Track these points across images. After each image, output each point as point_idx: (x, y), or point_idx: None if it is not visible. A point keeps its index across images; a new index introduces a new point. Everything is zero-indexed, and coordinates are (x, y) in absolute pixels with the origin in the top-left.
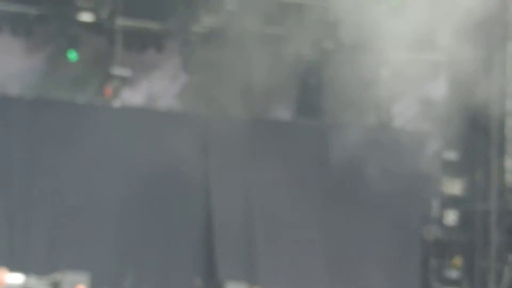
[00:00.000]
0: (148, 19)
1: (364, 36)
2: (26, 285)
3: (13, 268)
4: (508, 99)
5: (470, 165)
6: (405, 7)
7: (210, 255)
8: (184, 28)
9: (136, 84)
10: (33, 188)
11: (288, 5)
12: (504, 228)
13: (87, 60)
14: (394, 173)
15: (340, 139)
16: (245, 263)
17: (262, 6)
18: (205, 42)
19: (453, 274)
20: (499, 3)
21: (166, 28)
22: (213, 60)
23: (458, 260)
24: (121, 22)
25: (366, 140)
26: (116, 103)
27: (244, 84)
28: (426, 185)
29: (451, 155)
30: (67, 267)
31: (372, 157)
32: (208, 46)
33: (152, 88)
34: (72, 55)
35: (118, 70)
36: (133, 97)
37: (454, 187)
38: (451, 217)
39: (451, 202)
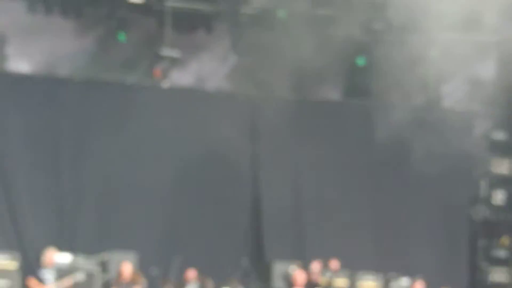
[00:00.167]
0: (197, 0)
1: (413, 16)
2: (74, 264)
3: (61, 248)
4: None
5: None
6: None
7: (258, 236)
8: (233, 9)
9: (185, 65)
10: (83, 169)
11: None
12: None
13: (137, 42)
14: (442, 153)
15: (388, 119)
16: (293, 244)
17: None
18: (254, 23)
19: (501, 253)
20: None
21: (216, 10)
22: (262, 41)
23: (506, 240)
24: (170, 3)
25: (414, 120)
26: (165, 84)
27: (293, 65)
28: (474, 165)
29: (500, 135)
30: (116, 247)
31: (421, 138)
32: (257, 28)
33: (201, 69)
34: (122, 37)
35: (167, 51)
36: (182, 78)
37: (502, 167)
38: (499, 197)
39: (499, 182)
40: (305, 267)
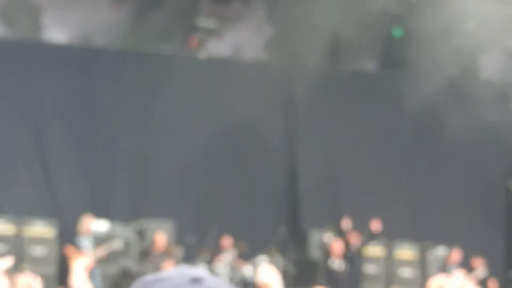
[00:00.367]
0: None
1: None
2: (111, 232)
3: (98, 216)
4: None
5: None
6: None
7: (295, 205)
8: None
9: (222, 35)
10: (118, 139)
11: None
12: None
13: (173, 12)
14: (478, 124)
15: (423, 90)
16: (330, 213)
17: None
18: None
19: None
20: None
21: None
22: (298, 12)
23: None
24: None
25: (450, 91)
26: (202, 55)
27: (328, 36)
28: (510, 136)
29: None
30: (152, 216)
31: (457, 109)
32: None
33: (237, 40)
34: None
35: (203, 22)
36: (218, 48)
37: None
38: None
39: None
40: (340, 234)
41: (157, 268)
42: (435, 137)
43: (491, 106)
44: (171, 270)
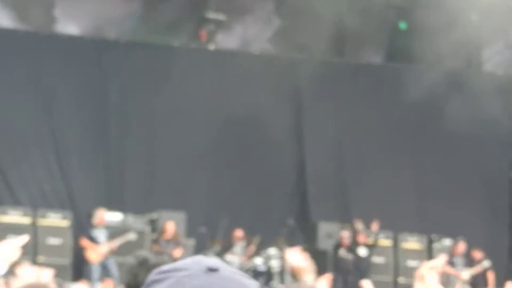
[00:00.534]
0: None
1: None
2: (124, 224)
3: (111, 208)
4: None
5: None
6: None
7: (303, 197)
8: None
9: (230, 28)
10: (129, 130)
11: None
12: None
13: (183, 5)
14: (482, 116)
15: (429, 82)
16: (338, 204)
17: None
18: None
19: None
20: None
21: None
22: (305, 5)
23: None
24: None
25: (455, 84)
26: (211, 47)
27: (335, 29)
28: None
29: None
30: (164, 208)
31: (462, 101)
32: None
33: (246, 32)
34: None
35: (213, 14)
36: (227, 40)
37: None
38: None
39: None
40: (350, 227)
41: (168, 256)
42: (440, 130)
43: (495, 98)
44: (187, 260)
